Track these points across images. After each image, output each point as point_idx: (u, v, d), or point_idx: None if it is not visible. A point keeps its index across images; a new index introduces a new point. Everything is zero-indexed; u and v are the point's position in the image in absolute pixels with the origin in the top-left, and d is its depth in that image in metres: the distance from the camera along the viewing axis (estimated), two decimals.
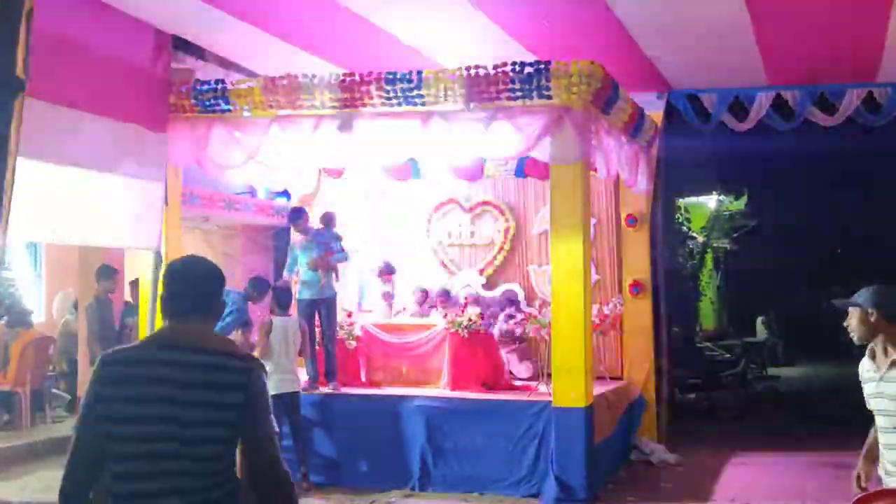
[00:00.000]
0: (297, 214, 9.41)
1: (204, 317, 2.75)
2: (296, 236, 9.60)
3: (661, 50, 8.88)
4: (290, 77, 7.99)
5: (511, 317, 9.95)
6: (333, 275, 9.16)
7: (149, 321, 8.55)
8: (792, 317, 20.55)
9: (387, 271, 10.44)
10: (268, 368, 8.09)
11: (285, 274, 9.31)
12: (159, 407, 2.58)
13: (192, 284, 2.74)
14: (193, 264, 2.82)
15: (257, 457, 2.68)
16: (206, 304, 2.75)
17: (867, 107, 9.90)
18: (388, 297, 10.30)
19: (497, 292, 10.63)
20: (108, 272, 9.25)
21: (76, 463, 2.66)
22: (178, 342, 2.68)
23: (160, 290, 2.80)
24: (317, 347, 8.98)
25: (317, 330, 9.02)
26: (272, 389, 8.09)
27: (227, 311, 8.60)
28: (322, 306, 9.00)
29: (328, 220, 9.55)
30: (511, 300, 10.38)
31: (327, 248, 9.12)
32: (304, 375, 8.87)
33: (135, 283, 9.29)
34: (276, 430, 2.99)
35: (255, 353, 8.21)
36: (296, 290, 9.16)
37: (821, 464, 9.30)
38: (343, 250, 9.35)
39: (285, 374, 8.23)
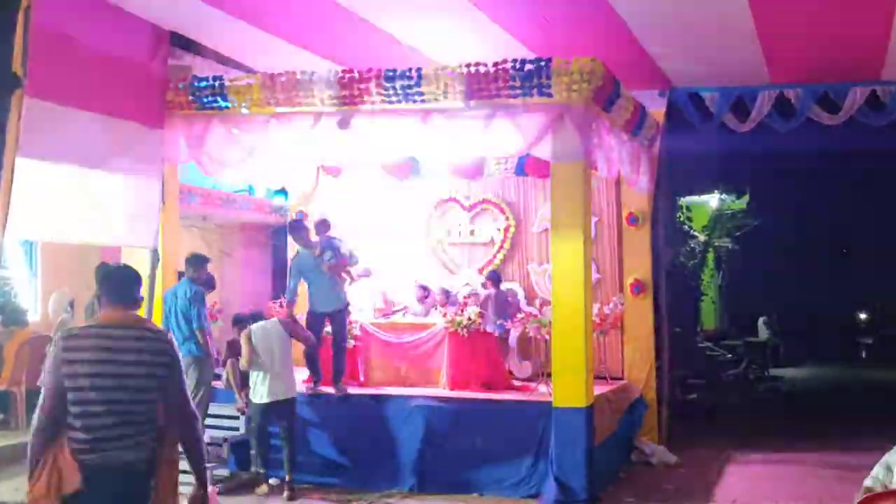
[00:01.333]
0: (299, 226, 9.07)
1: (130, 305, 3.90)
2: (300, 251, 9.06)
3: (662, 47, 8.88)
4: (289, 74, 7.98)
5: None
6: (345, 281, 9.00)
7: (146, 316, 8.55)
8: (794, 317, 20.56)
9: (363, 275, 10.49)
10: (258, 377, 7.99)
11: (286, 299, 8.85)
12: (111, 366, 3.69)
13: (122, 284, 3.92)
14: (122, 269, 4.10)
15: (176, 400, 3.85)
16: (132, 296, 3.92)
17: (871, 105, 9.90)
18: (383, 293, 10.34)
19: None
20: None
21: (47, 411, 3.70)
22: (116, 323, 3.80)
23: (96, 288, 4.01)
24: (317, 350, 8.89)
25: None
26: (264, 397, 7.97)
27: (185, 302, 8.47)
28: (336, 315, 8.87)
29: (326, 226, 9.17)
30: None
31: (340, 254, 8.86)
32: (302, 375, 8.86)
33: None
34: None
35: (241, 363, 8.18)
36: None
37: (823, 465, 9.31)
38: (353, 255, 9.13)
39: (276, 380, 8.05)
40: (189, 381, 8.38)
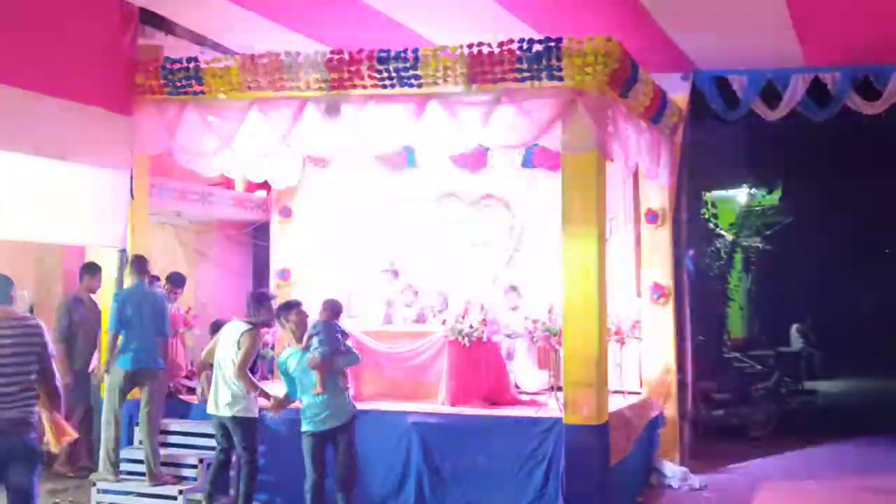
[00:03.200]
0: (290, 307, 7.64)
1: (7, 303, 5.57)
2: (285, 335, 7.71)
3: (683, 26, 8.88)
4: (272, 55, 8.00)
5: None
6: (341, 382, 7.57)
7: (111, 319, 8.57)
8: (831, 324, 20.52)
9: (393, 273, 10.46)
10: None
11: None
12: (4, 349, 5.37)
13: (2, 287, 5.62)
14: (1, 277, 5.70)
15: (46, 372, 5.53)
16: (7, 296, 5.60)
17: None
18: (390, 303, 10.28)
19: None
20: (94, 268, 9.19)
21: None
22: (3, 316, 5.47)
23: None
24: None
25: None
26: (209, 406, 7.80)
27: (159, 311, 8.46)
28: (344, 433, 7.42)
29: (335, 309, 7.82)
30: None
31: (336, 345, 7.47)
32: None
33: None
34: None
35: (203, 353, 8.21)
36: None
37: (863, 489, 9.33)
38: (352, 351, 7.78)
39: (217, 389, 7.69)
40: (145, 393, 8.39)
